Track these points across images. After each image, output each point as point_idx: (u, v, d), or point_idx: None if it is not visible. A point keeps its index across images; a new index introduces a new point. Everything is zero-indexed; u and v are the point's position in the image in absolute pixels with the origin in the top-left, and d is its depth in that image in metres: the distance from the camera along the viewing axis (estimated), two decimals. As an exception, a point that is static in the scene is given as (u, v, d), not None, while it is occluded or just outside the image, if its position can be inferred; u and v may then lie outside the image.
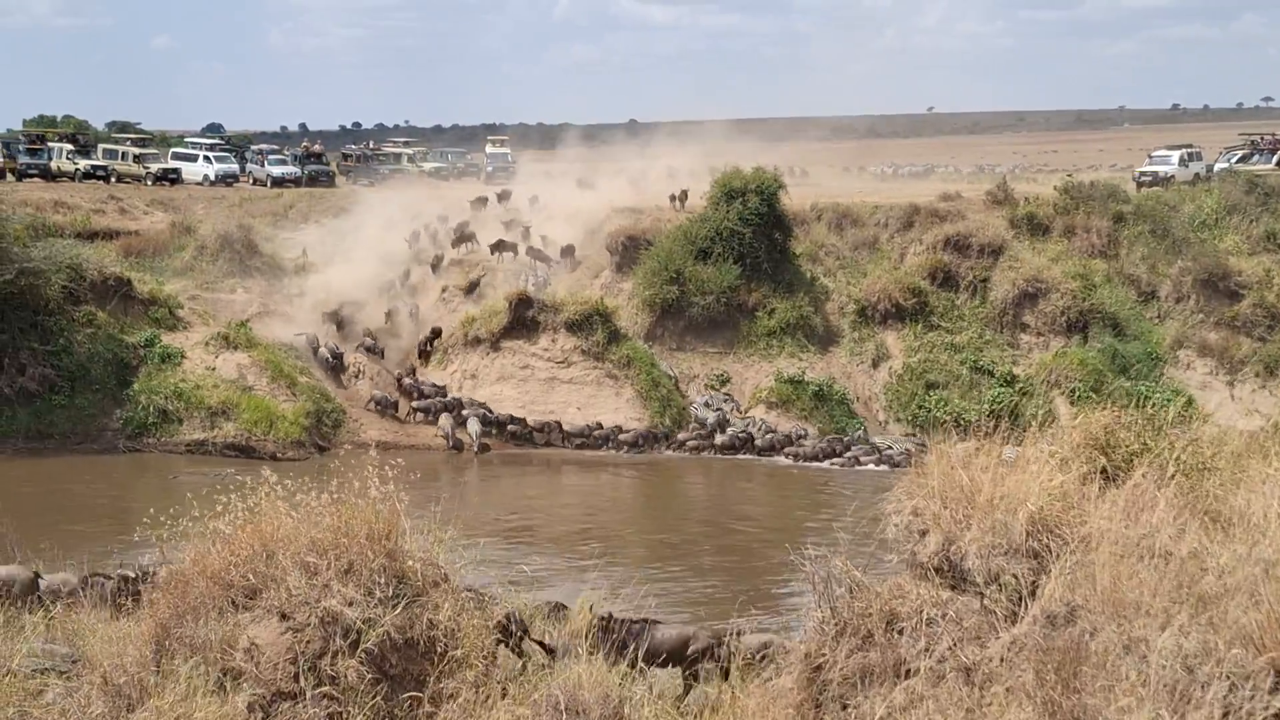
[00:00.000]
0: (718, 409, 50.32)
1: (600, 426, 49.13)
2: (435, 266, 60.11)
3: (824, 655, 13.59)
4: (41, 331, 47.42)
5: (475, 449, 47.52)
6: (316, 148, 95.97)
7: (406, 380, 51.24)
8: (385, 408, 49.74)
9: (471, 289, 57.41)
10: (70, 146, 78.69)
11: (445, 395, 50.49)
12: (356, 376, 51.52)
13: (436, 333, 54.78)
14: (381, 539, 14.79)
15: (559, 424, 49.18)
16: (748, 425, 49.47)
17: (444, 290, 58.71)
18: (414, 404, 49.87)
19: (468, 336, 53.35)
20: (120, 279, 51.47)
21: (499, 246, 60.29)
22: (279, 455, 44.70)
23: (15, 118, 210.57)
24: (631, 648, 17.49)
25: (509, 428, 48.89)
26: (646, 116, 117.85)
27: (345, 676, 13.96)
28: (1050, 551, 12.50)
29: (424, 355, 54.16)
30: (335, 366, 51.45)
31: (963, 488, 13.28)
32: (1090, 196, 61.02)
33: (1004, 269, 56.67)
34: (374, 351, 52.80)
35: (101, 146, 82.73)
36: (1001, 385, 51.87)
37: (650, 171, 77.66)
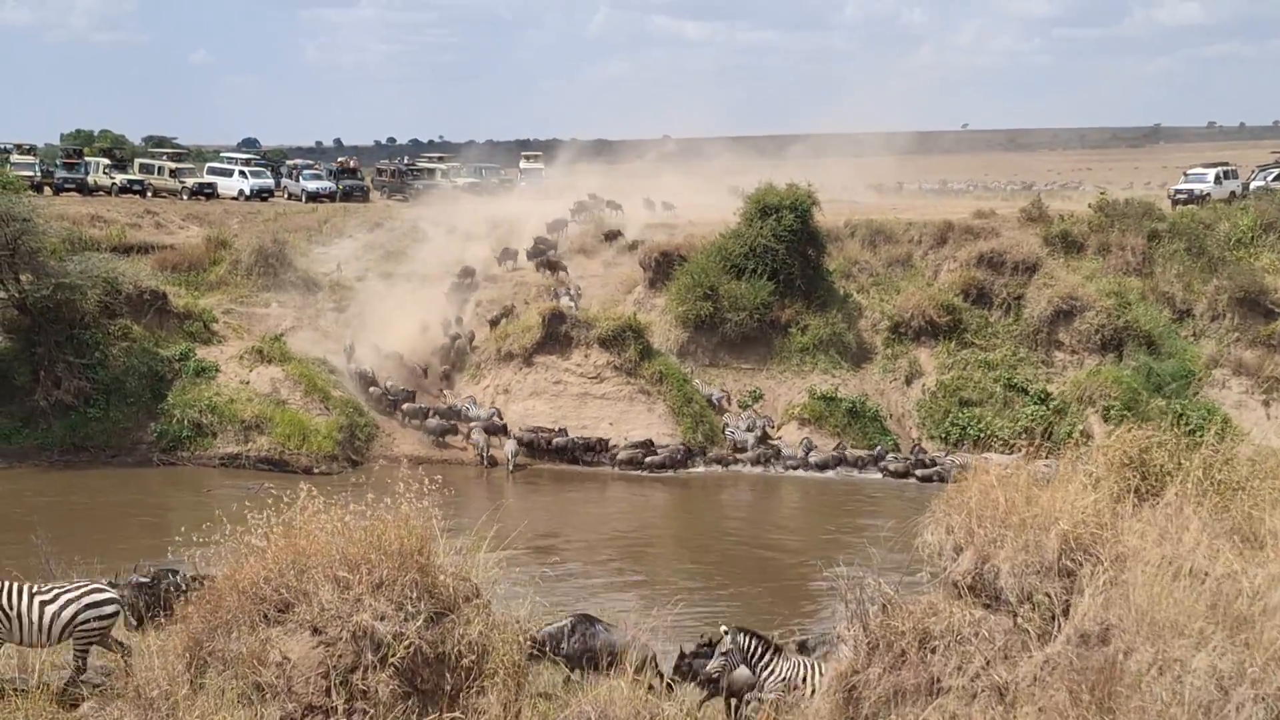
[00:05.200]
0: (752, 427, 50.13)
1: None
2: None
3: (857, 674, 13.57)
4: (77, 345, 47.63)
5: (510, 468, 47.38)
6: (351, 163, 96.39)
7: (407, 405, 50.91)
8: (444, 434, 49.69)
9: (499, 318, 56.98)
10: (107, 161, 79.37)
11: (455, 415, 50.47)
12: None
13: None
14: (413, 554, 14.80)
15: (613, 443, 49.06)
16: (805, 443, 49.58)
17: (478, 305, 58.88)
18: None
19: (500, 352, 53.34)
20: (155, 293, 51.72)
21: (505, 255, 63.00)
22: (312, 469, 44.78)
23: (53, 132, 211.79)
24: None
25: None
26: (680, 133, 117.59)
27: (376, 691, 13.97)
28: (1084, 570, 12.45)
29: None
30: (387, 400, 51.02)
31: (997, 506, 13.24)
32: (1125, 214, 60.63)
33: (1038, 286, 56.34)
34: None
35: (138, 161, 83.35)
36: (1035, 403, 51.63)
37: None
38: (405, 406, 50.04)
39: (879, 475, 47.86)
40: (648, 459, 48.18)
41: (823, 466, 48.31)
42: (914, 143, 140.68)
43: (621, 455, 48.46)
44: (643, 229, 66.97)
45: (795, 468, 48.33)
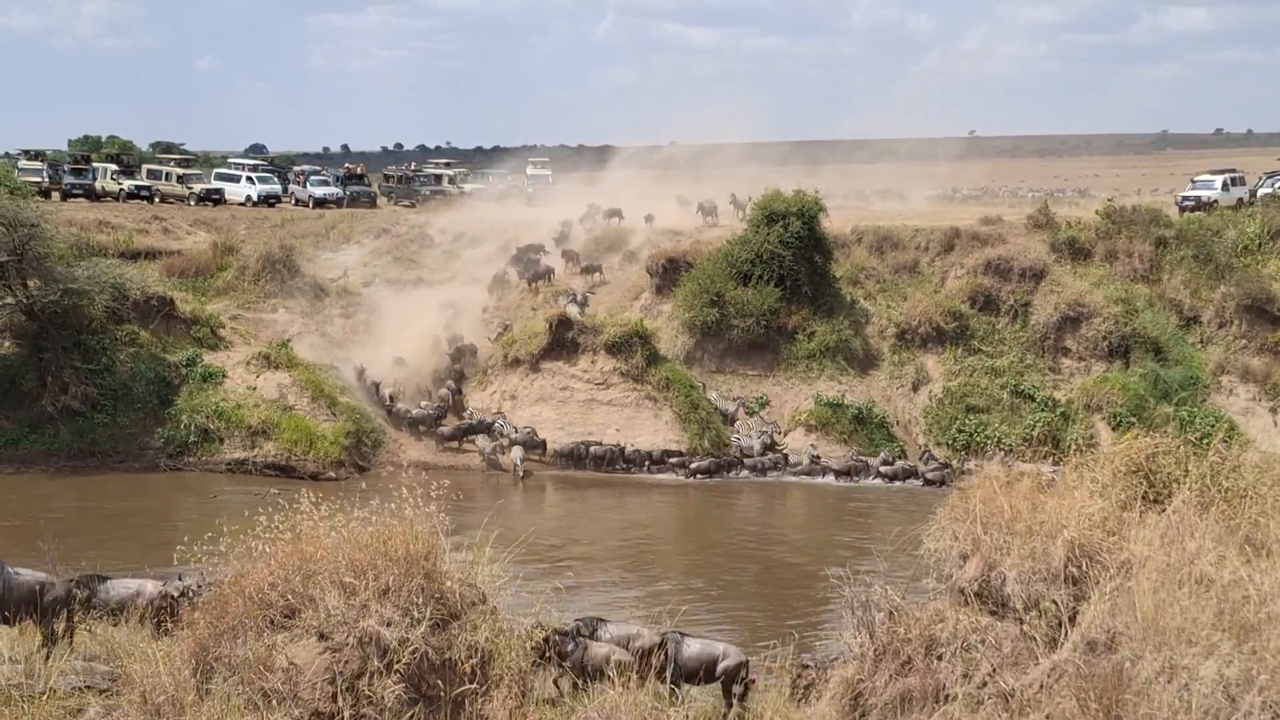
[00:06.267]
0: (761, 434, 50.06)
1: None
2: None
3: (863, 681, 13.56)
4: (84, 350, 47.66)
5: (519, 474, 47.16)
6: (358, 169, 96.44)
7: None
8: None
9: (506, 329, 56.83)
10: (114, 167, 79.53)
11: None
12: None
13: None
14: (420, 559, 14.79)
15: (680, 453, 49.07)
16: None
17: (483, 310, 58.99)
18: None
19: (507, 358, 53.31)
20: (163, 298, 51.69)
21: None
22: (319, 475, 44.77)
23: (61, 138, 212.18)
24: None
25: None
26: (687, 139, 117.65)
27: (382, 697, 13.97)
28: (1090, 578, 12.44)
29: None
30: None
31: (1003, 513, 13.22)
32: (1132, 221, 60.66)
33: (1045, 293, 56.38)
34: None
35: (145, 167, 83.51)
36: (1042, 410, 51.57)
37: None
38: (415, 413, 49.98)
39: (919, 483, 47.72)
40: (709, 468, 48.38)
41: (892, 477, 48.10)
42: (926, 150, 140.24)
43: (696, 465, 48.49)
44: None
45: (879, 478, 48.12)
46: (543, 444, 48.95)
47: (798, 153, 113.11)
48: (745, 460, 49.12)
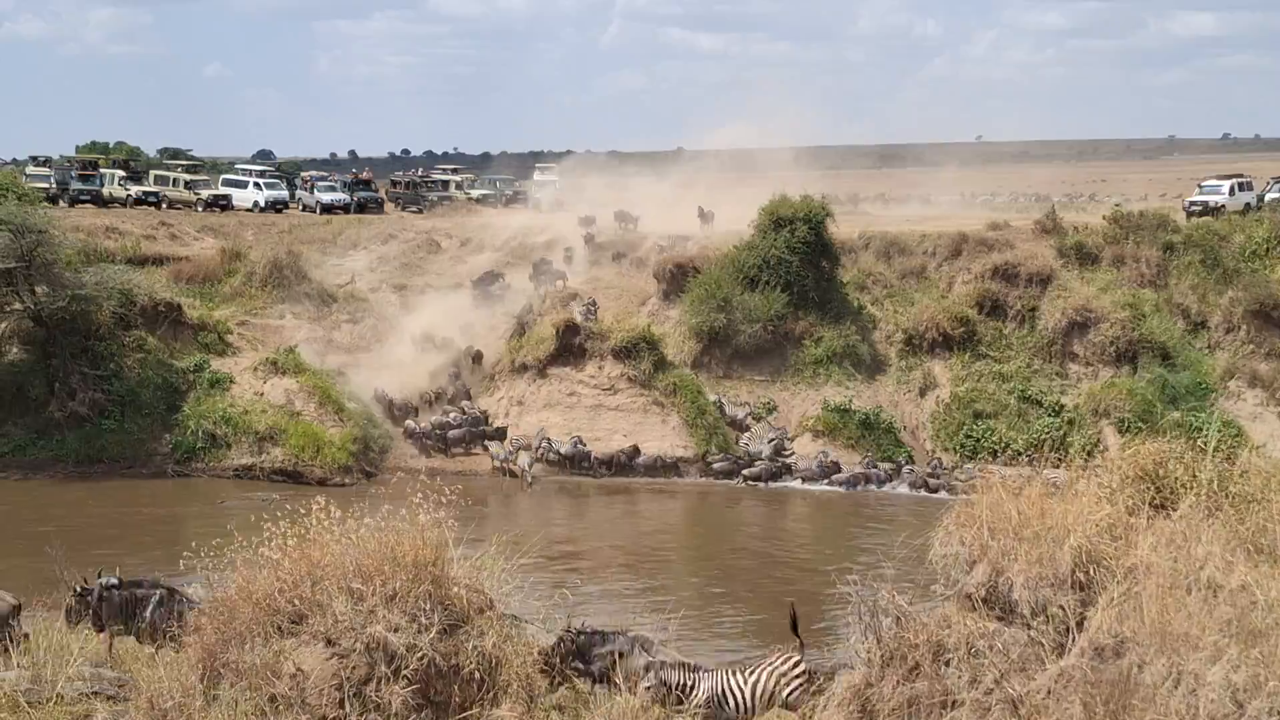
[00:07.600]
0: (771, 440, 49.96)
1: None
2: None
3: (871, 686, 13.53)
4: (92, 356, 47.76)
5: (528, 481, 47.14)
6: (366, 175, 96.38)
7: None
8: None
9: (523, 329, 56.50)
10: (122, 173, 79.60)
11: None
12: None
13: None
14: (427, 565, 14.78)
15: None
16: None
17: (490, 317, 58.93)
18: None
19: (515, 363, 53.32)
20: (170, 304, 51.82)
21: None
22: (327, 480, 44.80)
23: (68, 144, 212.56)
24: None
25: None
26: (694, 145, 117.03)
27: (390, 703, 13.96)
28: (1097, 583, 12.42)
29: None
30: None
31: (1010, 519, 13.20)
32: (1140, 226, 60.53)
33: (1052, 298, 56.25)
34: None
35: (153, 173, 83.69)
36: (1050, 415, 51.51)
37: None
38: (424, 425, 49.96)
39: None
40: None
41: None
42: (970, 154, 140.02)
43: (750, 471, 48.88)
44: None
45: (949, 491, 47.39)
46: (588, 455, 48.97)
47: (813, 158, 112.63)
48: (811, 469, 48.93)
